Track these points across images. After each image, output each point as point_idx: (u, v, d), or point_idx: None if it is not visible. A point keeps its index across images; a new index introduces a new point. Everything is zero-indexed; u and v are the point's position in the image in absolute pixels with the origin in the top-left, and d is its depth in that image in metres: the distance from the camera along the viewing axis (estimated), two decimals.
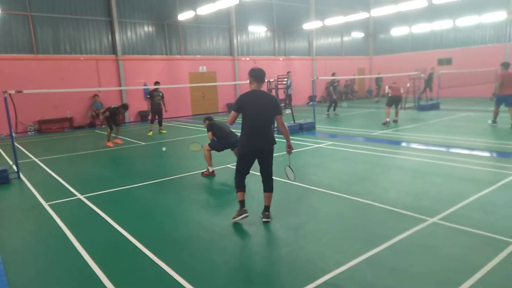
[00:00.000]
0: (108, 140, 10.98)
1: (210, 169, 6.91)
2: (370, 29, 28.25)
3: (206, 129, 7.07)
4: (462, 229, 4.10)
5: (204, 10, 16.58)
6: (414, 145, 9.01)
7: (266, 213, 4.57)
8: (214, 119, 7.29)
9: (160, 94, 12.91)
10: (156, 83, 13.07)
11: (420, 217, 4.45)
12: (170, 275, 3.40)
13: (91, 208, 5.37)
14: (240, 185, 4.56)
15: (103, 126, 11.02)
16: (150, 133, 12.88)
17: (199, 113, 19.79)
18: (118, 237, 4.32)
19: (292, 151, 4.69)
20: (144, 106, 16.96)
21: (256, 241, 4.21)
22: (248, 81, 4.52)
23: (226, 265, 3.60)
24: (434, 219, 4.38)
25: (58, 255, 4.00)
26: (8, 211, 5.54)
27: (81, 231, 4.56)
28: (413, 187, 5.69)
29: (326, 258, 3.61)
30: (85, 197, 5.89)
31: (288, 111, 12.98)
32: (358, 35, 27.56)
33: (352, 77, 25.65)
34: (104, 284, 3.30)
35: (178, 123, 16.47)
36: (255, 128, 4.38)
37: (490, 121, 11.33)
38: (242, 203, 4.55)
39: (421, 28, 24.73)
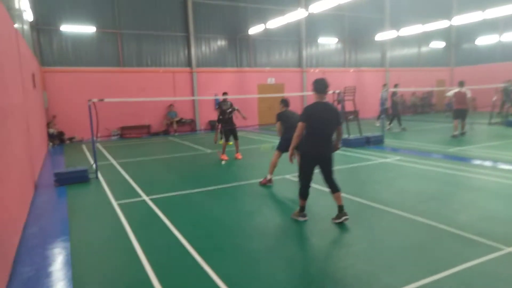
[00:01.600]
0: (223, 153, 9.92)
1: (268, 177, 6.92)
2: (452, 38, 26.21)
3: (276, 128, 6.94)
4: None
5: (274, 23, 16.91)
6: (495, 164, 8.06)
7: (343, 211, 4.81)
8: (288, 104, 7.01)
9: (229, 104, 10.09)
10: (225, 93, 10.53)
11: (493, 245, 3.94)
12: (215, 282, 3.45)
13: (153, 210, 5.71)
14: (304, 195, 4.95)
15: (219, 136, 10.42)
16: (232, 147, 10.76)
17: (266, 123, 20.10)
18: (172, 239, 4.52)
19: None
20: (214, 116, 17.67)
21: (305, 256, 4.09)
22: (312, 93, 4.84)
23: (271, 278, 3.53)
24: (511, 249, 3.85)
25: (117, 250, 4.32)
26: (83, 207, 6.14)
27: (140, 230, 4.87)
28: (489, 211, 5.08)
29: (377, 280, 3.37)
30: (149, 199, 6.30)
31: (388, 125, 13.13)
32: (437, 44, 25.72)
33: (430, 89, 23.94)
34: (151, 283, 3.47)
35: (245, 132, 16.86)
36: (320, 137, 4.73)
37: None
38: (302, 208, 5.01)
39: None
